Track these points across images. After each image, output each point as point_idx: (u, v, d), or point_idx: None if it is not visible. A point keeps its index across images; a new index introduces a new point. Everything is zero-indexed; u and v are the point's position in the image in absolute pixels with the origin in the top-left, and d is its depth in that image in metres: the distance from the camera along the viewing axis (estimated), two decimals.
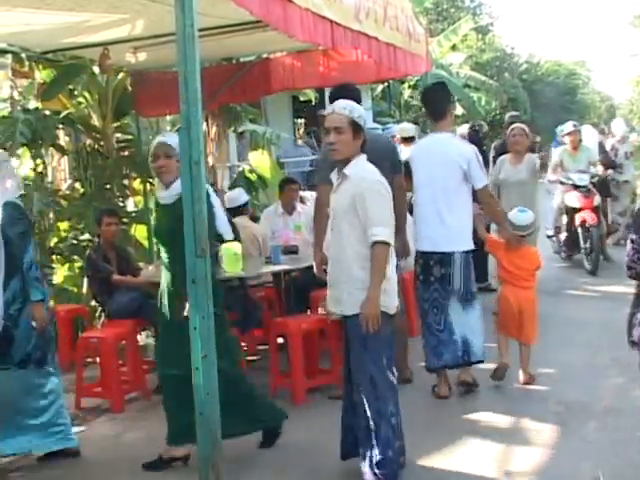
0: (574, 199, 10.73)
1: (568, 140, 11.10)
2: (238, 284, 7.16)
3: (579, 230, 10.66)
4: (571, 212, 10.86)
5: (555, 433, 5.25)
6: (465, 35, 26.20)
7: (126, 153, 9.68)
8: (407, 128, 10.55)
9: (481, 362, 6.11)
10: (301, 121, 18.79)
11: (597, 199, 10.80)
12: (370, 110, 17.75)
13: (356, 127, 4.44)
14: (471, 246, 6.06)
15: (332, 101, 5.30)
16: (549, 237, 11.59)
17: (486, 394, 6.09)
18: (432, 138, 6.32)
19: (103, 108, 9.26)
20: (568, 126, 11.20)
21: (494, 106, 26.14)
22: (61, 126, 9.06)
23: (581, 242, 10.70)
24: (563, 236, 11.27)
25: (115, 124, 9.62)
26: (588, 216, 10.54)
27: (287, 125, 16.84)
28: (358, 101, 5.19)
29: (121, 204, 9.24)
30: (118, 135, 9.89)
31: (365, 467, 4.44)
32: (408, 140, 9.75)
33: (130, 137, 9.90)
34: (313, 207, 6.21)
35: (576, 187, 10.70)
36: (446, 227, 5.93)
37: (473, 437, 5.22)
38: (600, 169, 11.66)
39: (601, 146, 12.52)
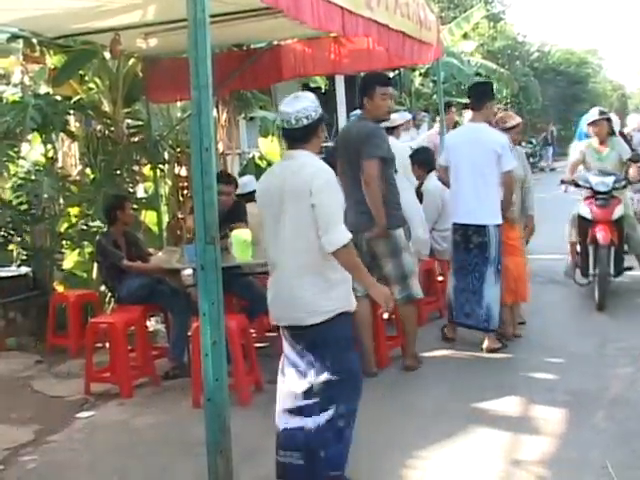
0: (586, 209, 8.37)
1: (592, 132, 8.72)
2: (247, 271, 7.18)
3: (590, 250, 8.38)
4: (584, 225, 8.46)
5: (563, 422, 5.25)
6: (477, 23, 26.04)
7: (136, 139, 9.67)
8: (392, 118, 10.35)
9: (495, 331, 6.93)
10: None
11: (619, 210, 8.27)
12: None
13: None
14: (501, 221, 6.86)
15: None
16: None
17: (494, 383, 6.09)
18: (469, 127, 7.28)
19: (114, 94, 9.25)
20: (593, 113, 8.83)
21: (505, 94, 26.04)
22: (72, 112, 9.06)
23: (590, 266, 8.39)
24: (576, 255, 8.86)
25: (125, 110, 9.61)
26: (600, 233, 8.12)
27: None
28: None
29: (131, 190, 9.24)
30: (129, 121, 9.89)
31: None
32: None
33: (140, 123, 9.90)
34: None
35: (595, 193, 8.34)
36: (482, 203, 6.79)
37: (481, 426, 5.22)
38: (634, 170, 8.71)
39: (623, 136, 10.67)
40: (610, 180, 8.28)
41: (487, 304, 6.83)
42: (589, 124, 8.71)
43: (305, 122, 4.17)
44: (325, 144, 13.43)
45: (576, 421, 5.24)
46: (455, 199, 7.07)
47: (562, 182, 8.91)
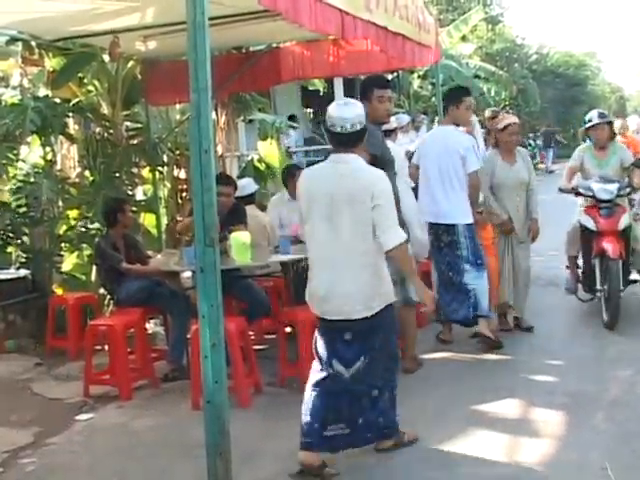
0: (590, 219, 7.69)
1: (593, 136, 8.03)
2: (246, 273, 7.18)
3: (596, 263, 7.64)
4: (587, 237, 7.80)
5: (562, 424, 5.25)
6: (475, 25, 26.06)
7: (135, 141, 9.68)
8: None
9: (488, 317, 7.12)
10: (309, 111, 18.79)
11: (624, 220, 7.61)
12: None
13: None
14: (471, 220, 7.02)
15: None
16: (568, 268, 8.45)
17: (493, 385, 6.09)
18: (438, 130, 7.68)
19: (113, 96, 9.26)
20: (593, 116, 8.09)
21: (504, 97, 26.06)
22: (71, 114, 9.06)
23: (597, 281, 7.61)
24: (579, 269, 8.28)
25: (124, 112, 9.62)
26: (608, 245, 7.41)
27: (296, 115, 16.83)
28: None
29: (130, 192, 9.25)
30: (127, 123, 9.90)
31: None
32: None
33: (139, 125, 9.91)
34: None
35: (598, 201, 7.67)
36: (450, 203, 6.98)
37: (481, 428, 5.22)
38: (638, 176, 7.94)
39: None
40: (614, 187, 7.65)
41: (474, 295, 6.94)
42: (588, 128, 8.04)
43: (359, 127, 4.51)
44: (325, 147, 13.47)
45: (576, 423, 5.25)
46: (425, 199, 7.18)
47: (560, 190, 8.07)
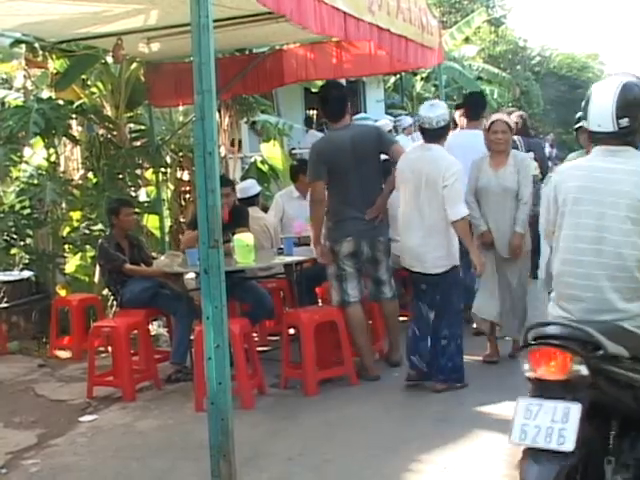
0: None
1: (582, 141, 6.49)
2: (250, 275, 7.19)
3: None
4: None
5: None
6: (478, 27, 26.09)
7: (139, 143, 9.69)
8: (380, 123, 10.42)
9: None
10: (313, 112, 18.78)
11: None
12: (382, 102, 17.76)
13: None
14: None
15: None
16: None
17: (496, 386, 6.09)
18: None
19: (116, 98, 9.28)
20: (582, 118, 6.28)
21: (507, 99, 26.02)
22: (74, 116, 9.08)
23: None
24: None
25: (128, 114, 9.64)
26: None
27: (299, 116, 16.83)
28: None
29: (133, 194, 9.26)
30: (131, 125, 9.91)
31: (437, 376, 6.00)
32: None
33: (143, 127, 9.92)
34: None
35: None
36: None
37: (483, 429, 5.21)
38: None
39: None
40: None
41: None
42: (577, 129, 6.67)
43: (442, 124, 5.93)
44: None
45: None
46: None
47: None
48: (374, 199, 6.43)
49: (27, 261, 8.71)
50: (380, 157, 6.58)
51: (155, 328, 8.10)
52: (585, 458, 3.12)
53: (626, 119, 3.41)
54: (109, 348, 7.12)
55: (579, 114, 5.85)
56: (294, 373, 6.35)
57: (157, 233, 9.68)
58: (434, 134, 5.91)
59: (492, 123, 6.59)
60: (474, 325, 7.17)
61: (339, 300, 6.45)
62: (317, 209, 6.41)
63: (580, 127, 6.30)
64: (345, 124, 6.48)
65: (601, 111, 3.46)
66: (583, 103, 3.62)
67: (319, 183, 6.36)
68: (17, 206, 8.64)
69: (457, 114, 9.03)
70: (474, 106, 8.22)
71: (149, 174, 9.90)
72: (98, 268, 8.11)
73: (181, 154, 10.32)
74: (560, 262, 3.55)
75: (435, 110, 5.92)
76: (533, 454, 3.16)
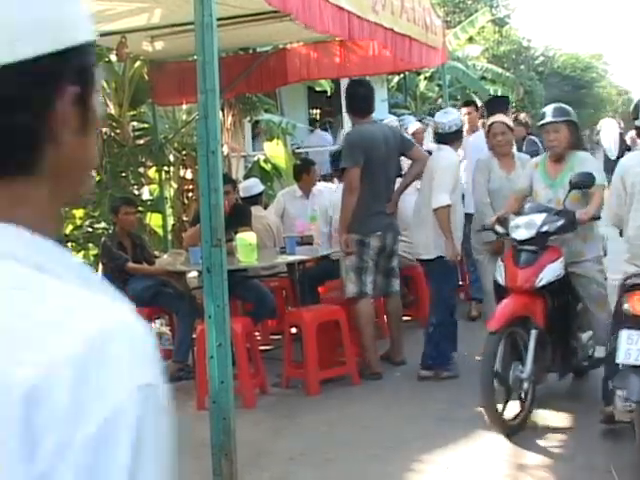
0: (502, 268, 5.36)
1: (545, 140, 5.74)
2: (252, 274, 7.19)
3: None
4: (500, 294, 5.41)
5: (567, 426, 5.25)
6: (482, 27, 26.04)
7: (142, 141, 9.70)
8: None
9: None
10: (316, 111, 18.78)
11: (550, 271, 5.18)
12: (386, 102, 17.73)
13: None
14: None
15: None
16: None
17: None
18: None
19: (120, 96, 9.29)
20: (546, 112, 5.62)
21: (510, 98, 25.97)
22: None
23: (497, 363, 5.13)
24: None
25: (131, 112, 9.65)
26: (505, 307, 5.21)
27: (302, 115, 16.84)
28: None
29: (136, 192, 9.26)
30: (134, 123, 9.93)
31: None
32: None
33: (146, 125, 9.93)
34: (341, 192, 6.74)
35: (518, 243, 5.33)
36: None
37: (485, 429, 5.21)
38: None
39: (622, 140, 10.23)
40: (539, 220, 5.23)
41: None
42: (540, 126, 5.69)
43: (454, 128, 6.51)
44: (329, 148, 13.48)
45: (580, 425, 5.24)
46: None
47: (484, 228, 5.93)
48: (390, 196, 6.67)
49: None
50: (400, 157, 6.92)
51: (157, 326, 8.10)
52: None
53: None
54: None
55: (544, 109, 5.70)
56: (296, 372, 6.35)
57: (160, 231, 9.68)
58: (447, 137, 6.50)
59: (491, 125, 6.58)
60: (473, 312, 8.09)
61: (357, 291, 6.47)
62: (350, 198, 6.43)
63: (542, 125, 5.55)
64: (372, 120, 6.73)
65: None
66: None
67: (356, 170, 6.38)
68: None
69: (462, 112, 9.01)
70: (494, 108, 7.98)
71: (152, 172, 9.90)
72: (101, 266, 8.11)
73: (184, 153, 10.33)
74: (634, 229, 4.82)
75: (448, 116, 6.59)
76: (634, 370, 4.33)
